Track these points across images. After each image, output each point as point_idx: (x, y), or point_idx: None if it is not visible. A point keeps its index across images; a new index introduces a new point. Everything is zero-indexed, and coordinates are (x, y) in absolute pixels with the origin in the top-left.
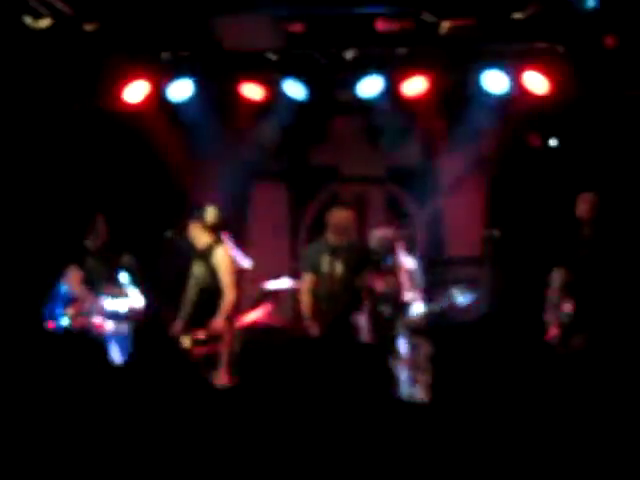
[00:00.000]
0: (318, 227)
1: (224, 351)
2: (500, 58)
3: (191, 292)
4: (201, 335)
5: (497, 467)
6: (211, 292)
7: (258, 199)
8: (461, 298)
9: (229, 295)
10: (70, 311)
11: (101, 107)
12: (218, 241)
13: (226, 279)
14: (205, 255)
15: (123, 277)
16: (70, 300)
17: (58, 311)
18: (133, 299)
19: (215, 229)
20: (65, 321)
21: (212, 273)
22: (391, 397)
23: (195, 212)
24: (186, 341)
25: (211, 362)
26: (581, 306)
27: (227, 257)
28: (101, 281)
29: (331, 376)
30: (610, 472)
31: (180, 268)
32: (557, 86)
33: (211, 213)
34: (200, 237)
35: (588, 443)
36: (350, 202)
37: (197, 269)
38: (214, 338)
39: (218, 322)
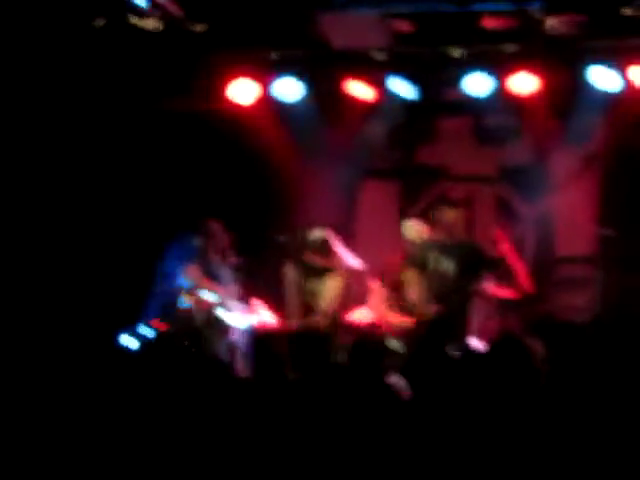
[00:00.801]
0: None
1: None
2: (609, 55)
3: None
4: None
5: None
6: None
7: (367, 198)
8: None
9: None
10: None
11: (209, 108)
12: (332, 265)
13: (327, 305)
14: (322, 274)
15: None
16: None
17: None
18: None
19: (326, 250)
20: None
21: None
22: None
23: (306, 240)
24: None
25: None
26: None
27: (339, 287)
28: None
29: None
30: None
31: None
32: None
33: (318, 236)
34: (314, 259)
35: None
36: (459, 201)
37: (315, 286)
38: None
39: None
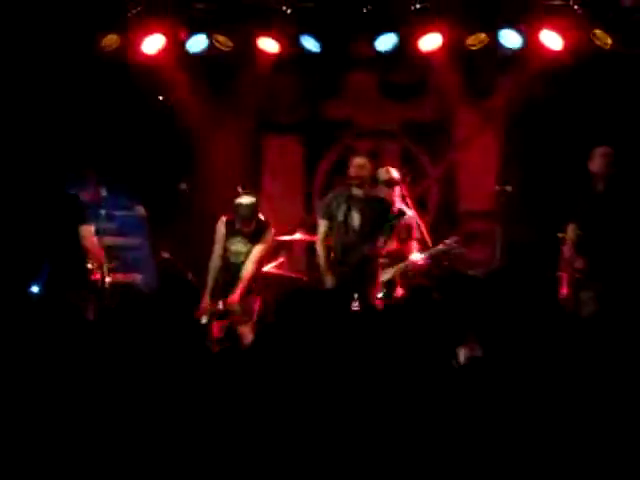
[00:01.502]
0: (332, 180)
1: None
2: (516, 14)
3: (218, 264)
4: (220, 308)
5: (498, 429)
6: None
7: (271, 152)
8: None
9: (251, 268)
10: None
11: (118, 58)
12: (263, 224)
13: (258, 255)
14: (251, 236)
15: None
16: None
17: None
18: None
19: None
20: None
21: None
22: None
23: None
24: (204, 318)
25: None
26: (592, 263)
27: (272, 240)
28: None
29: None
30: (618, 441)
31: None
32: (571, 43)
33: (245, 208)
34: (242, 228)
35: (594, 403)
36: (366, 153)
37: (239, 246)
38: (229, 312)
39: (235, 296)
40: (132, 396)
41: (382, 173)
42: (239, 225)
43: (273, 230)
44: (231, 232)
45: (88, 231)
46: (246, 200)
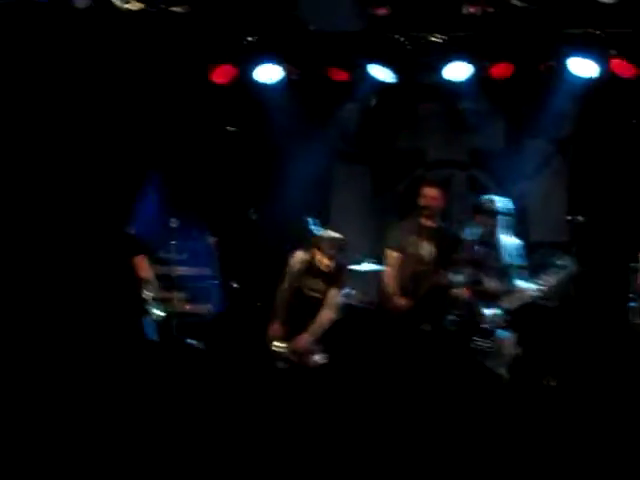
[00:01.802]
0: (402, 210)
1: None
2: (586, 43)
3: (288, 297)
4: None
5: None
6: (315, 304)
7: (341, 181)
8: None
9: (330, 314)
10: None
11: (190, 89)
12: (343, 265)
13: (336, 300)
14: (327, 275)
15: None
16: None
17: None
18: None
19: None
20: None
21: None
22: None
23: (316, 236)
24: (279, 346)
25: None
26: None
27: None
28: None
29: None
30: None
31: (262, 250)
32: None
33: (333, 241)
34: (322, 261)
35: None
36: (438, 182)
37: (313, 283)
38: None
39: (305, 338)
40: (212, 414)
41: (485, 202)
42: (320, 259)
43: (339, 291)
44: (308, 271)
45: (142, 261)
46: (334, 235)
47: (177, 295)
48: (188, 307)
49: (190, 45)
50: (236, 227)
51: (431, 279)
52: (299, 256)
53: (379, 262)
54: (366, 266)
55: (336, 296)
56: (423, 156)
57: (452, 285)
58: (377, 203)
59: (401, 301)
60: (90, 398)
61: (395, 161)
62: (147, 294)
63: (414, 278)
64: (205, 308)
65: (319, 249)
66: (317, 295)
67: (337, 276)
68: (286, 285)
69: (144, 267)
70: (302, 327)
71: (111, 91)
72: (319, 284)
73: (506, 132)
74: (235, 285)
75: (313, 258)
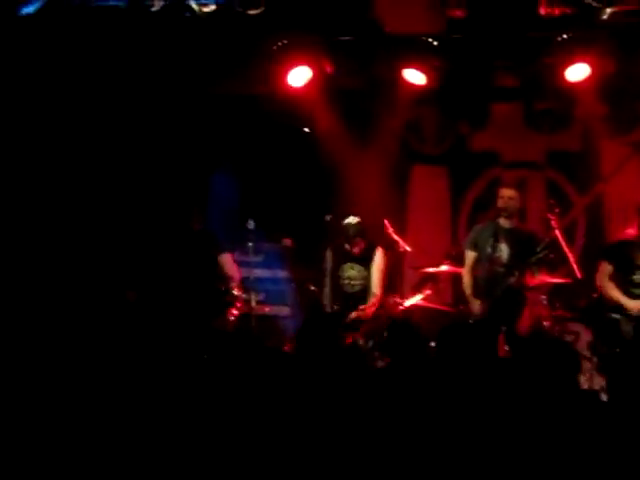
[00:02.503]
0: (478, 212)
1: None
2: None
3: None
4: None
5: None
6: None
7: (417, 183)
8: None
9: (379, 292)
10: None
11: (263, 91)
12: (373, 244)
13: (380, 278)
14: (362, 259)
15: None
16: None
17: None
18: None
19: (365, 235)
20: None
21: (368, 275)
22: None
23: (342, 228)
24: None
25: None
26: None
27: (385, 258)
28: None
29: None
30: None
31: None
32: None
33: (353, 227)
34: (352, 248)
35: None
36: (515, 183)
37: (351, 272)
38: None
39: (370, 308)
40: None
41: None
42: (349, 247)
43: (382, 250)
44: (340, 258)
45: (228, 259)
46: (353, 220)
47: (254, 297)
48: (267, 309)
49: (265, 47)
50: (313, 230)
51: (507, 280)
52: (329, 249)
53: (457, 263)
54: (444, 267)
55: (377, 273)
56: (499, 156)
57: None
58: (455, 204)
59: (476, 305)
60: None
61: (472, 161)
62: (236, 292)
63: (490, 280)
64: (283, 310)
65: (347, 238)
66: (358, 288)
67: (369, 257)
68: (327, 286)
69: (231, 265)
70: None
71: (189, 91)
72: (355, 272)
73: (583, 133)
74: (312, 288)
75: (342, 247)
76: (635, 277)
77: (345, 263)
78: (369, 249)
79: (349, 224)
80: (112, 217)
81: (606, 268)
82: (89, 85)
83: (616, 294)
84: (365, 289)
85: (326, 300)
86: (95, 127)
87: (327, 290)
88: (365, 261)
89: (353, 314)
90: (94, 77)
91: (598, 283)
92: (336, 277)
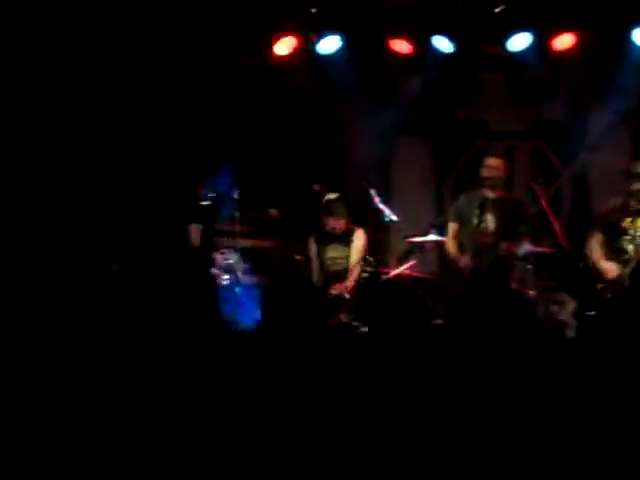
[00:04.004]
0: (464, 181)
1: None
2: None
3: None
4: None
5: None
6: (342, 272)
7: (403, 153)
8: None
9: (358, 271)
10: None
11: (252, 62)
12: (353, 225)
13: (359, 256)
14: (343, 238)
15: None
16: None
17: None
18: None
19: (347, 212)
20: None
21: (350, 254)
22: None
23: (325, 204)
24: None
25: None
26: None
27: (364, 238)
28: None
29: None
30: None
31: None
32: None
33: (336, 203)
34: (335, 224)
35: None
36: (501, 153)
37: (334, 253)
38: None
39: (349, 283)
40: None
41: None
42: (331, 224)
43: (362, 231)
44: (323, 240)
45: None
46: (335, 195)
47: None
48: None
49: (252, 16)
50: (300, 200)
51: (495, 250)
52: (312, 236)
53: (442, 233)
54: (429, 237)
55: (358, 253)
56: (485, 127)
57: (516, 257)
58: (440, 174)
59: (464, 259)
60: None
61: (457, 132)
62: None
63: (478, 250)
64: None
65: (330, 214)
66: (341, 266)
67: (350, 236)
68: (315, 271)
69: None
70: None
71: (181, 71)
72: (338, 252)
73: (570, 104)
74: (298, 257)
75: (324, 225)
76: (621, 243)
77: (328, 245)
78: (350, 229)
79: (330, 200)
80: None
81: (596, 237)
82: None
83: (597, 258)
84: (348, 267)
85: (315, 277)
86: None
87: (315, 270)
88: (346, 241)
89: (333, 290)
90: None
91: (588, 252)
92: (320, 259)
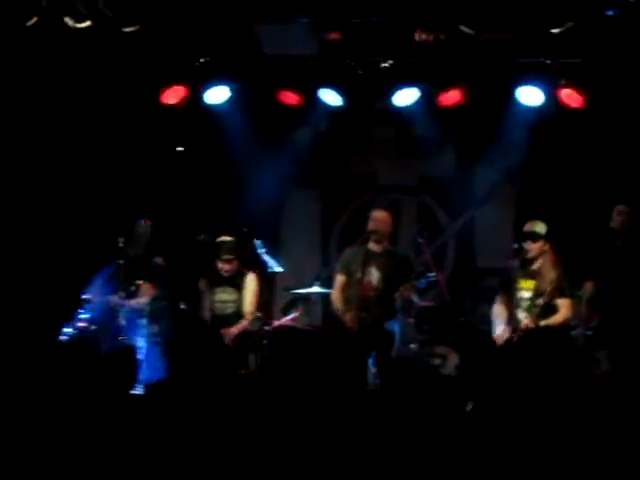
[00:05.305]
0: (351, 235)
1: None
2: (536, 72)
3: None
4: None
5: None
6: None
7: (293, 204)
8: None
9: (251, 316)
10: None
11: (141, 110)
12: (242, 268)
13: (251, 298)
14: (233, 281)
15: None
16: None
17: None
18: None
19: (238, 256)
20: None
21: (240, 297)
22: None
23: (216, 246)
24: None
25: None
26: (606, 321)
27: (256, 282)
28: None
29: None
30: None
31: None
32: (591, 100)
33: (227, 245)
34: (224, 267)
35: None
36: (387, 207)
37: (224, 296)
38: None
39: (234, 330)
40: None
41: (527, 226)
42: (221, 265)
43: (253, 274)
44: (214, 282)
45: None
46: (228, 237)
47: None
48: None
49: (141, 65)
50: (186, 250)
51: (379, 305)
52: (202, 279)
53: (327, 285)
54: (314, 289)
55: (249, 297)
56: (373, 180)
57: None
58: (327, 227)
59: (349, 317)
60: None
61: (346, 185)
62: None
63: (363, 304)
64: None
65: (218, 257)
66: (230, 310)
67: (241, 280)
68: (206, 313)
69: None
70: None
71: (63, 109)
72: (227, 295)
73: (456, 159)
74: (183, 306)
75: (215, 268)
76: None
77: (217, 287)
78: (240, 272)
79: (223, 242)
80: None
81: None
82: None
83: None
84: (238, 311)
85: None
86: None
87: (205, 313)
88: (237, 284)
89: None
90: None
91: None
92: (210, 301)
